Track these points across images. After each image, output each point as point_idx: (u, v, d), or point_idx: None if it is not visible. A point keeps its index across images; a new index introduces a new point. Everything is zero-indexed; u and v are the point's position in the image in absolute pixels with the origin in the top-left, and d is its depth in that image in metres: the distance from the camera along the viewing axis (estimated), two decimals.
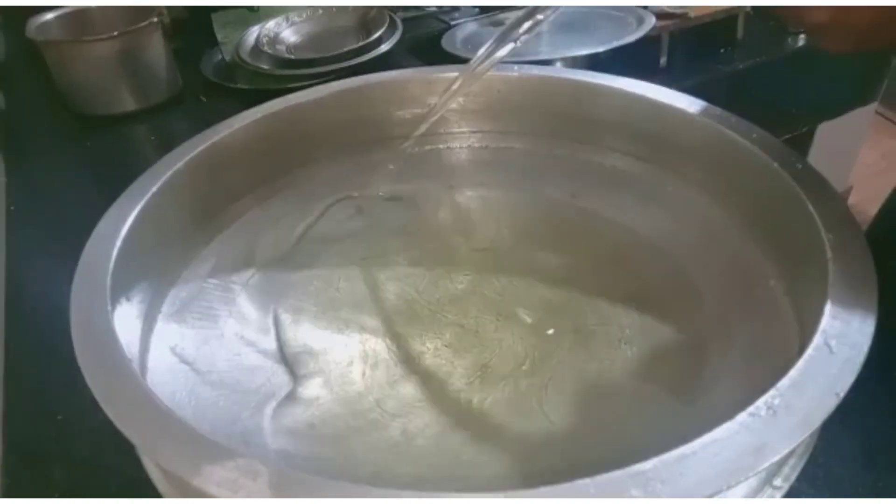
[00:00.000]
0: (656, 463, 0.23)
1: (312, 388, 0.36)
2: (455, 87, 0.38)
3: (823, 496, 0.38)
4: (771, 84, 0.84)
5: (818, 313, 0.28)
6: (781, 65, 0.83)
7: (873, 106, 1.06)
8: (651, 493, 0.22)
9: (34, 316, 0.47)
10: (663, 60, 0.77)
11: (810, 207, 0.33)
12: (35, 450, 0.40)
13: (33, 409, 0.42)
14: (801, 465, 0.29)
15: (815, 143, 1.00)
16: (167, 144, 0.45)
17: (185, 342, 0.37)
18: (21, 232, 0.56)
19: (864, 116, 1.06)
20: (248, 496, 0.23)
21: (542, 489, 0.22)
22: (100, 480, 0.37)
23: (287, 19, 0.85)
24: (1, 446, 0.39)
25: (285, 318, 0.39)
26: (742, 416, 0.24)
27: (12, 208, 0.59)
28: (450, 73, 0.47)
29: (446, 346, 0.37)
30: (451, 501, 0.22)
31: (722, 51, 0.82)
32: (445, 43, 0.79)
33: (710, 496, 0.22)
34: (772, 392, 0.25)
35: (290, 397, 0.35)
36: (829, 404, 0.24)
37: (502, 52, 0.35)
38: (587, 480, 0.22)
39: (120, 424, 0.25)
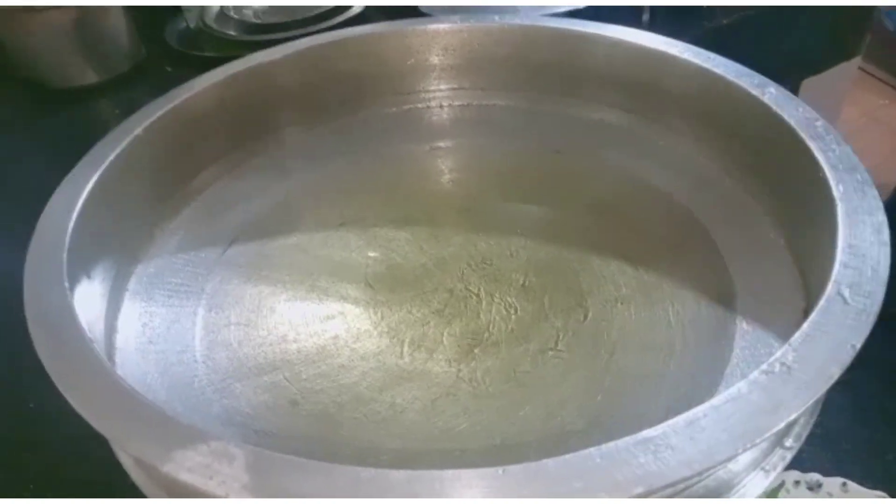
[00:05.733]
0: (665, 429, 0.21)
1: (293, 364, 0.33)
2: None
3: (824, 454, 0.37)
4: (755, 39, 0.82)
5: (827, 264, 0.27)
6: (766, 19, 0.81)
7: (856, 61, 1.04)
8: (661, 460, 0.20)
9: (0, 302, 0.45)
10: (646, 17, 0.75)
11: (815, 153, 0.31)
12: (5, 437, 0.39)
13: (2, 397, 0.40)
14: (812, 423, 0.27)
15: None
16: None
17: (155, 321, 0.35)
18: None
19: (847, 72, 1.04)
20: (224, 482, 0.21)
21: (546, 462, 0.20)
22: (72, 467, 0.36)
23: None
24: None
25: (262, 291, 0.37)
26: (755, 375, 0.22)
27: None
28: (427, 25, 0.44)
29: (434, 313, 0.35)
30: (446, 474, 0.20)
31: (705, 6, 0.80)
32: (421, 3, 0.76)
33: (725, 461, 0.21)
34: (785, 348, 0.23)
35: (270, 374, 0.33)
36: (845, 358, 0.23)
37: None
38: (592, 450, 0.20)
39: (80, 408, 0.23)
